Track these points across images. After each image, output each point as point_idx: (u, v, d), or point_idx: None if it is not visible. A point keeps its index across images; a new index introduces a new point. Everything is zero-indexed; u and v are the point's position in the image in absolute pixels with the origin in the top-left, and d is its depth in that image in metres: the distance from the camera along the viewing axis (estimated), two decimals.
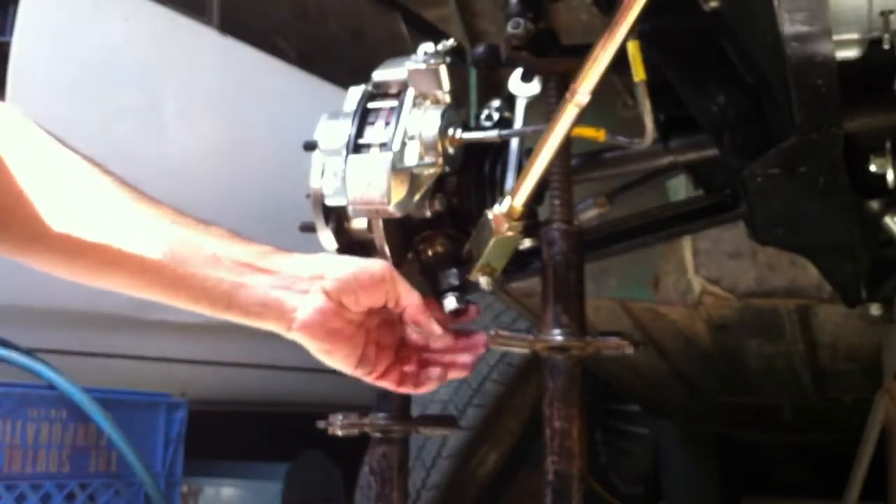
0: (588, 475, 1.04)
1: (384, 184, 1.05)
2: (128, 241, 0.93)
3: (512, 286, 2.02)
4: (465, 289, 1.14)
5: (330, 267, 1.01)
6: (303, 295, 0.99)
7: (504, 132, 1.13)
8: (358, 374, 1.05)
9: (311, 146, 1.12)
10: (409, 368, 1.09)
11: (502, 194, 1.11)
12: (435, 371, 1.10)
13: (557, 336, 1.04)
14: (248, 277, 0.98)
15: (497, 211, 1.05)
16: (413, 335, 1.10)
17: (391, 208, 1.05)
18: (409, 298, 1.04)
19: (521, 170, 1.12)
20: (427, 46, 1.11)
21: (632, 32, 0.98)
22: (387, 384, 1.08)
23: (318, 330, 1.00)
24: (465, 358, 1.10)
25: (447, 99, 1.11)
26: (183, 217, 0.98)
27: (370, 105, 1.11)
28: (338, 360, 1.03)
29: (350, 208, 1.08)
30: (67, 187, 0.93)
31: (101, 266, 0.93)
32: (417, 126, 1.08)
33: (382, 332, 1.07)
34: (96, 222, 0.93)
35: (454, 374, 1.11)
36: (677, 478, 3.70)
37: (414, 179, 1.08)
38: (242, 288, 0.97)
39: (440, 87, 1.10)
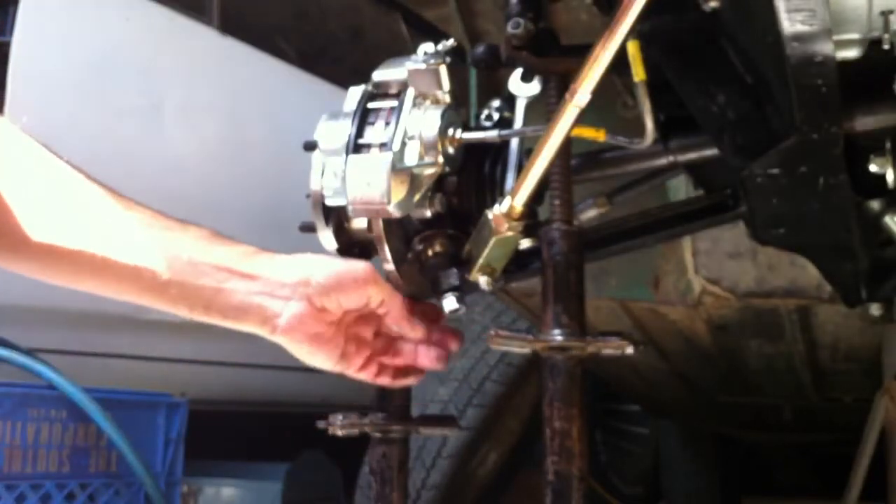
0: (588, 475, 1.04)
1: (384, 184, 1.04)
2: (104, 247, 0.93)
3: (512, 286, 2.02)
4: (465, 289, 1.14)
5: (314, 271, 1.01)
6: (285, 301, 0.99)
7: (504, 132, 1.13)
8: (338, 370, 1.06)
9: (311, 146, 1.12)
10: (385, 359, 1.11)
11: (502, 194, 1.11)
12: (411, 368, 1.12)
13: (557, 336, 1.04)
14: (228, 283, 0.98)
15: (497, 211, 1.05)
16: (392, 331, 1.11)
17: (391, 208, 1.05)
18: (393, 302, 1.05)
19: (521, 170, 1.11)
20: (427, 46, 1.10)
21: (632, 32, 0.98)
22: (364, 376, 1.09)
23: (300, 335, 1.00)
24: (438, 352, 1.12)
25: (447, 99, 1.11)
26: (162, 219, 0.98)
27: (370, 105, 1.11)
28: (319, 359, 1.04)
29: (350, 208, 1.08)
30: (48, 194, 0.93)
31: (79, 273, 0.94)
32: (417, 126, 1.08)
33: (359, 325, 1.08)
34: (75, 229, 0.93)
35: (430, 367, 1.12)
36: (677, 478, 3.70)
37: (414, 179, 1.08)
38: (220, 293, 0.97)
39: (440, 87, 1.10)
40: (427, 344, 1.12)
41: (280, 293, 0.99)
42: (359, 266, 1.03)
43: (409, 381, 1.13)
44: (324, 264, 1.03)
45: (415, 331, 1.10)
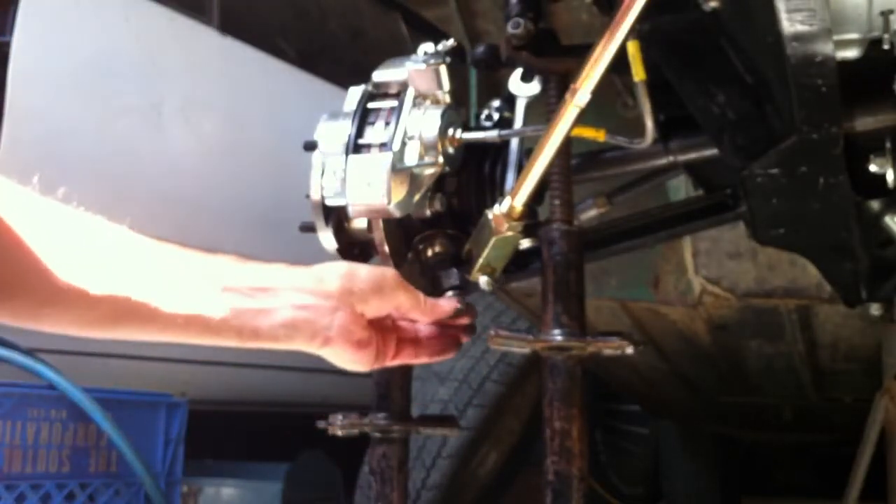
0: (588, 475, 1.04)
1: (384, 184, 1.05)
2: (137, 289, 0.89)
3: (512, 286, 2.02)
4: (465, 289, 1.14)
5: (354, 280, 1.00)
6: (333, 312, 0.98)
7: (504, 132, 1.13)
8: (375, 367, 1.06)
9: (311, 146, 1.12)
10: (411, 337, 1.10)
11: (502, 194, 1.11)
12: (446, 343, 1.10)
13: (557, 336, 1.04)
14: (269, 301, 0.96)
15: (497, 211, 1.05)
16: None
17: (391, 208, 1.05)
18: (415, 301, 1.05)
19: (521, 170, 1.12)
20: (427, 46, 1.11)
21: (632, 32, 0.98)
22: (402, 361, 1.08)
23: (348, 343, 1.00)
24: (466, 319, 1.11)
25: (447, 99, 1.11)
26: (188, 252, 0.95)
27: (370, 105, 1.11)
28: (359, 364, 1.04)
29: (350, 208, 1.08)
30: (68, 241, 0.88)
31: (113, 319, 0.90)
32: (417, 126, 1.08)
33: (379, 319, 1.08)
34: (104, 274, 0.88)
35: (463, 338, 1.12)
36: (677, 478, 3.70)
37: (414, 179, 1.08)
38: (262, 314, 0.96)
39: (440, 87, 1.10)
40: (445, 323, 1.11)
41: (325, 304, 0.99)
42: (389, 273, 1.04)
43: (448, 354, 1.12)
44: (359, 271, 1.02)
45: (435, 311, 1.08)
